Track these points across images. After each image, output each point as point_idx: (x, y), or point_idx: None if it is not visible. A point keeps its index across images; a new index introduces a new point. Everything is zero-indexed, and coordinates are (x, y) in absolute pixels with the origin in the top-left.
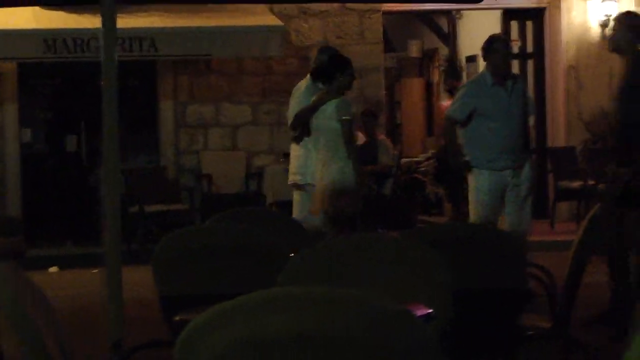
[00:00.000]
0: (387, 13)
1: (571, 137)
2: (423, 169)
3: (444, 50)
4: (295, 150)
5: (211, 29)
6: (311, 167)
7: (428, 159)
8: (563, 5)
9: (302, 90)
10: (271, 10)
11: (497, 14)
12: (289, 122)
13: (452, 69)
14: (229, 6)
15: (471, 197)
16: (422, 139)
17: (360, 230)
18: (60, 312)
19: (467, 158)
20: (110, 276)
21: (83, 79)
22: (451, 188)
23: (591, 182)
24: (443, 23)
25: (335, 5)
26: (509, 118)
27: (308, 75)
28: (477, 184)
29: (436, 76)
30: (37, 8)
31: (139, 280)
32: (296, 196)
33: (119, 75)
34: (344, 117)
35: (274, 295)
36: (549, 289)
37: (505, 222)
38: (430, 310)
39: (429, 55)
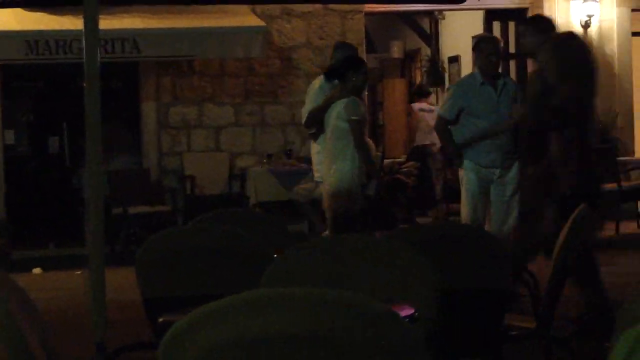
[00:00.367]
0: (369, 14)
1: None
2: (405, 169)
3: (426, 51)
4: (313, 147)
5: (193, 30)
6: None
7: (407, 160)
8: (545, 6)
9: (315, 89)
10: (254, 11)
11: (480, 15)
12: (303, 120)
13: (435, 70)
14: (212, 7)
15: (462, 194)
16: (404, 140)
17: (359, 230)
18: (44, 313)
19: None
20: (94, 278)
21: (65, 81)
22: (430, 188)
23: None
24: (425, 24)
25: (318, 6)
26: (497, 117)
27: (322, 74)
28: (465, 181)
29: (418, 77)
30: (18, 9)
31: (122, 281)
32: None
33: (102, 77)
34: (352, 117)
35: (258, 296)
36: (532, 289)
37: (490, 222)
38: (414, 311)
39: (411, 56)
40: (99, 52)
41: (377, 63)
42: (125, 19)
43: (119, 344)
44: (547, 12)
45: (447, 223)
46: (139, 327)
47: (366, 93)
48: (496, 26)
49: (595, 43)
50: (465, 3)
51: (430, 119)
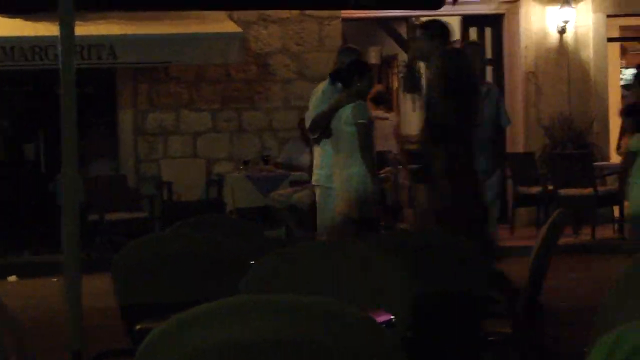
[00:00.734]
0: (346, 20)
1: (530, 143)
2: (383, 175)
3: (403, 57)
4: (315, 151)
5: (170, 36)
6: (325, 169)
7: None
8: (521, 12)
9: (319, 93)
10: (230, 17)
11: (456, 21)
12: (307, 124)
13: (411, 75)
14: (188, 13)
15: None
16: None
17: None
18: (20, 321)
19: None
20: (70, 285)
21: (41, 87)
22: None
23: (550, 188)
24: (402, 29)
25: (295, 12)
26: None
27: (328, 78)
28: None
29: (395, 82)
30: None
31: (99, 288)
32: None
33: (78, 83)
34: (359, 121)
35: (236, 303)
36: (509, 294)
37: None
38: (391, 317)
39: (387, 62)
40: (75, 58)
41: None
42: (102, 25)
43: (96, 352)
44: (523, 18)
45: (424, 229)
46: (115, 334)
47: None
48: (472, 32)
49: (571, 49)
50: (441, 9)
51: (386, 127)
